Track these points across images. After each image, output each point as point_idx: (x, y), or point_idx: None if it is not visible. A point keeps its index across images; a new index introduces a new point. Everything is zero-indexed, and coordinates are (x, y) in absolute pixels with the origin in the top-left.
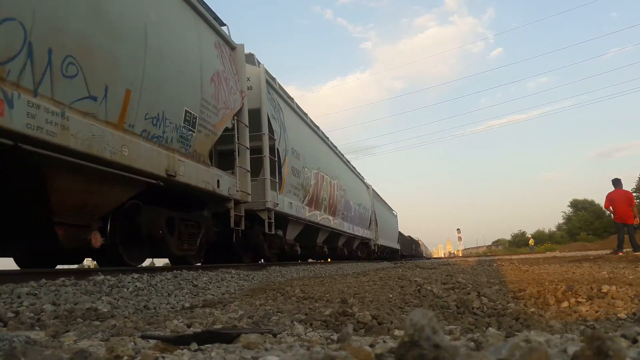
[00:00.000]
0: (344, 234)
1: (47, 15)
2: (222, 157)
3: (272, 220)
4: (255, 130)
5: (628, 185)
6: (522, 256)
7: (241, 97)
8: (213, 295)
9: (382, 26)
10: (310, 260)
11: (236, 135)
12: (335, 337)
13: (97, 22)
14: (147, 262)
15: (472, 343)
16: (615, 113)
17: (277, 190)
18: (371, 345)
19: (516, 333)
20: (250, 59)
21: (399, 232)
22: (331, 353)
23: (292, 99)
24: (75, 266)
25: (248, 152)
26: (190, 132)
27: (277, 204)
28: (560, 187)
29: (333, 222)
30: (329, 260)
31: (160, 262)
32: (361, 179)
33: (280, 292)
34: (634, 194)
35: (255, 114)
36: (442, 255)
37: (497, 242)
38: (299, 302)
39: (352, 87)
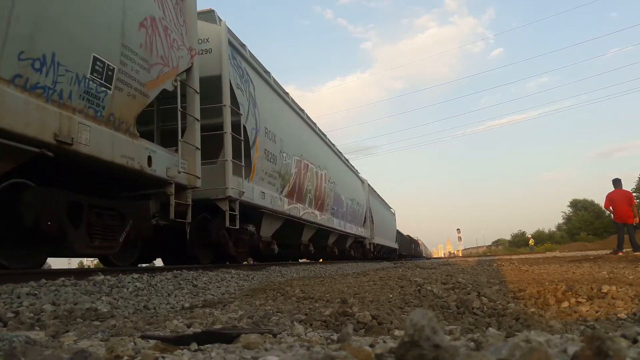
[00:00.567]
0: (335, 232)
1: None
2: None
3: (237, 213)
4: (216, 102)
5: (628, 185)
6: (522, 256)
7: (190, 56)
8: (213, 295)
9: (382, 26)
10: (299, 260)
11: (179, 100)
12: (335, 337)
13: None
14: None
15: (472, 343)
16: (615, 113)
17: (244, 176)
18: (371, 345)
19: (516, 333)
20: (210, 16)
21: (397, 230)
22: (331, 353)
23: (268, 73)
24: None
25: (198, 124)
26: (104, 89)
27: (243, 192)
28: (560, 187)
29: (320, 218)
30: (321, 260)
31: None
32: (355, 172)
33: (280, 292)
34: (634, 194)
35: (214, 83)
36: (442, 255)
37: (497, 242)
38: (299, 302)
39: (352, 87)
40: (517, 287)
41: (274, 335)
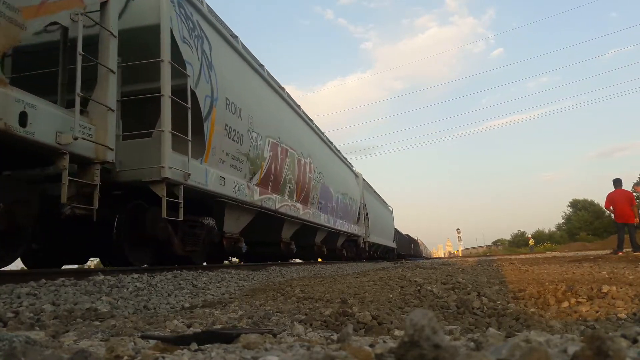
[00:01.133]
0: (323, 228)
1: None
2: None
3: (180, 201)
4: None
5: (629, 185)
6: (522, 256)
7: None
8: (213, 295)
9: (382, 27)
10: (290, 260)
11: (80, 41)
12: (335, 337)
13: None
14: None
15: (472, 343)
16: (615, 113)
17: (191, 155)
18: (371, 345)
19: (516, 333)
20: None
21: (395, 229)
22: (331, 353)
23: (235, 38)
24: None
25: (113, 78)
26: None
27: (189, 174)
28: (560, 187)
29: (304, 212)
30: (320, 260)
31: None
32: (348, 165)
33: (280, 292)
34: (634, 194)
35: (152, 35)
36: (442, 255)
37: (497, 242)
38: (299, 302)
39: (353, 87)
40: (517, 287)
41: (274, 335)
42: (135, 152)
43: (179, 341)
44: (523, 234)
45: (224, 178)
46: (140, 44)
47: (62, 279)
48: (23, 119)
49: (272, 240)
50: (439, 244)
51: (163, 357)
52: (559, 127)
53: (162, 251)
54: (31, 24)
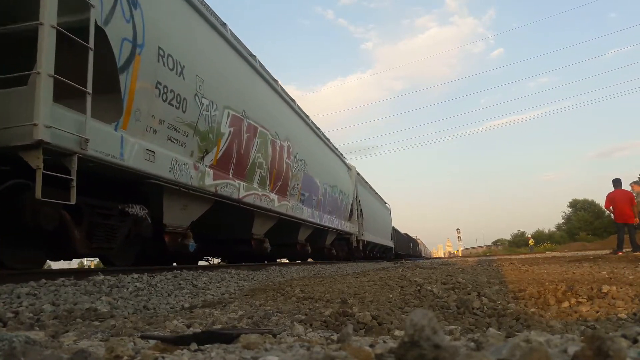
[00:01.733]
0: (306, 224)
1: None
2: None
3: (73, 177)
4: None
5: (628, 185)
6: (522, 256)
7: None
8: (213, 295)
9: (383, 27)
10: (279, 261)
11: None
12: (335, 337)
13: None
14: None
15: (473, 343)
16: (615, 113)
17: (96, 115)
18: (371, 346)
19: (516, 333)
20: None
21: (393, 227)
22: (331, 353)
23: None
24: None
25: None
26: None
27: (87, 139)
28: (560, 187)
29: (280, 204)
30: (312, 260)
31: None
32: (339, 155)
33: (280, 292)
34: (633, 194)
35: None
36: (442, 255)
37: (497, 242)
38: (299, 302)
39: (353, 87)
40: (517, 287)
41: (274, 336)
42: (2, 107)
43: (179, 341)
44: (523, 234)
45: (154, 153)
46: None
47: (62, 279)
48: None
49: (240, 237)
50: (438, 243)
51: (163, 357)
52: (558, 127)
53: (56, 248)
54: None
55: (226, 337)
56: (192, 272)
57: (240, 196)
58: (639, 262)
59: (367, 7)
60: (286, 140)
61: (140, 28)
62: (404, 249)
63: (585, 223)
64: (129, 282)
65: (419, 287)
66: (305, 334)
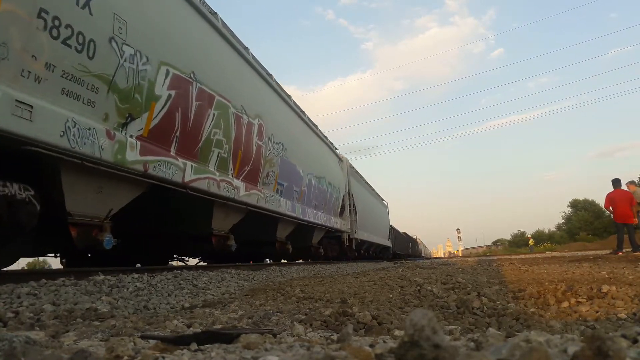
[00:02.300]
0: (287, 219)
1: None
2: None
3: None
4: None
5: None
6: (522, 256)
7: None
8: (213, 295)
9: (383, 27)
10: (254, 262)
11: None
12: (335, 337)
13: None
14: None
15: (472, 343)
16: (616, 113)
17: None
18: (371, 346)
19: (516, 333)
20: None
21: (391, 226)
22: (331, 353)
23: None
24: None
25: None
26: None
27: None
28: (560, 187)
29: (248, 193)
30: (287, 262)
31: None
32: (329, 145)
33: (280, 292)
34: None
35: None
36: (442, 255)
37: (497, 242)
38: (299, 302)
39: (353, 87)
40: (517, 287)
41: (274, 335)
42: None
43: (179, 341)
44: (523, 234)
45: (32, 107)
46: None
47: (63, 278)
48: None
49: (195, 232)
50: (438, 243)
51: (163, 357)
52: (559, 127)
53: None
54: None
55: (226, 337)
56: (192, 272)
57: (187, 180)
58: (639, 262)
59: (368, 7)
60: (257, 117)
61: None
62: (403, 248)
63: (585, 223)
64: (129, 282)
65: (418, 287)
66: (305, 334)
